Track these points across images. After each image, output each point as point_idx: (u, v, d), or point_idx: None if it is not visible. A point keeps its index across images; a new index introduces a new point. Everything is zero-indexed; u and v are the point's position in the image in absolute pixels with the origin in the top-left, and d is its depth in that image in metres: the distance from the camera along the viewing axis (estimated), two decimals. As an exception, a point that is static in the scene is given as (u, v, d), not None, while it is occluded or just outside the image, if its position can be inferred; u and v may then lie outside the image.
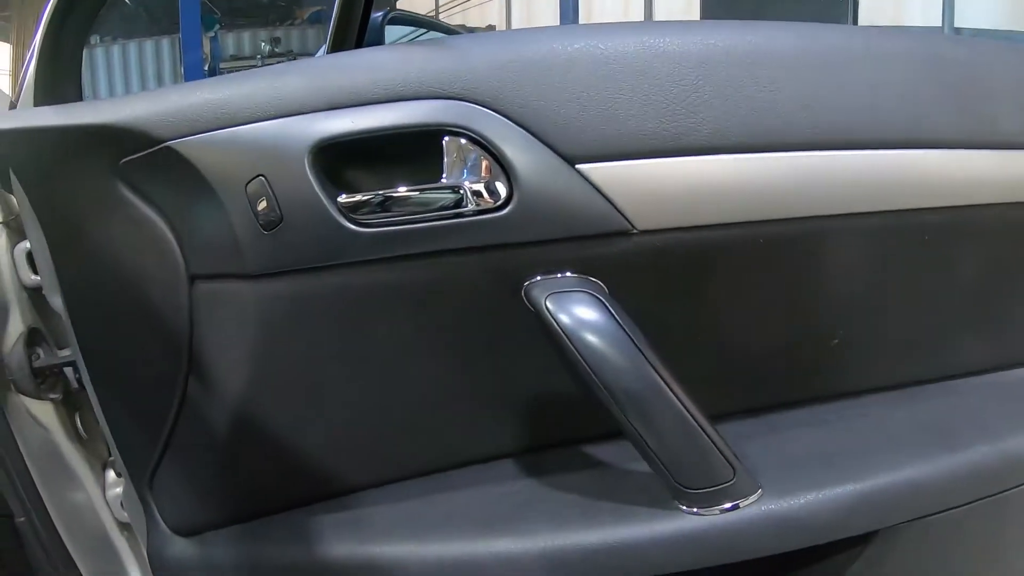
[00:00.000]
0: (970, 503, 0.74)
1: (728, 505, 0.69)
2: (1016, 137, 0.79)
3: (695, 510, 0.69)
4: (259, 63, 8.79)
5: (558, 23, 8.20)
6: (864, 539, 0.73)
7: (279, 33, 9.41)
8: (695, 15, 8.23)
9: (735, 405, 0.81)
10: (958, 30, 6.55)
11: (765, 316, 0.78)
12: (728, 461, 0.69)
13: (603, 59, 0.68)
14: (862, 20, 7.08)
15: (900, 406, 0.83)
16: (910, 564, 0.76)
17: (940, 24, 6.58)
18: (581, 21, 8.47)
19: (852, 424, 0.81)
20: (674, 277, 0.73)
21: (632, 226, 0.68)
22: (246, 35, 9.45)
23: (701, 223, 0.70)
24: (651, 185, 0.68)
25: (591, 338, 0.66)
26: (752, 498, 0.70)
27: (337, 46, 1.19)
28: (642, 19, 8.73)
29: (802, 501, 0.70)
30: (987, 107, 0.78)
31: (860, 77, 0.74)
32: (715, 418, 0.72)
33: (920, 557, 0.76)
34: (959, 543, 0.77)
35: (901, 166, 0.74)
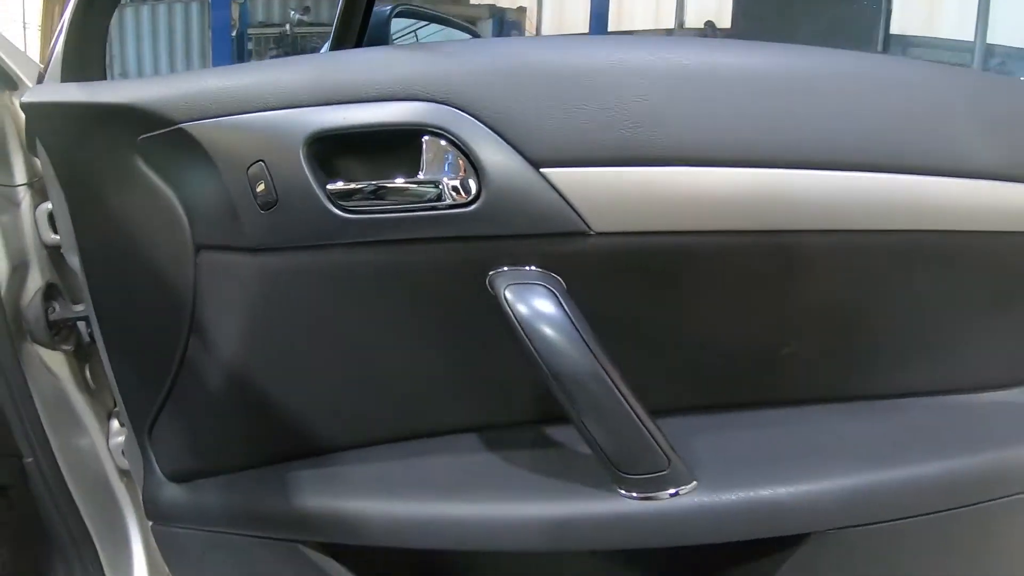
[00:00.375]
0: (909, 517, 0.75)
1: (661, 493, 0.73)
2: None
3: (633, 495, 0.73)
4: (288, 31, 8.77)
5: (588, 7, 8.18)
6: (796, 540, 0.75)
7: (309, 2, 9.38)
8: (726, 11, 8.15)
9: (682, 401, 0.84)
10: (991, 47, 6.43)
11: (714, 319, 0.81)
12: (663, 451, 0.72)
13: (573, 71, 0.72)
14: (894, 31, 6.98)
15: (848, 418, 0.85)
16: (840, 571, 0.77)
17: (972, 39, 6.46)
18: (612, 11, 8.42)
19: (796, 430, 0.83)
20: (628, 277, 0.76)
21: (589, 227, 0.71)
22: (276, 1, 9.42)
23: (654, 228, 0.73)
24: (609, 191, 0.71)
25: (543, 328, 0.70)
26: (685, 488, 0.73)
27: (339, 42, 1.23)
28: (673, 11, 8.65)
29: (734, 497, 0.73)
30: (948, 132, 0.77)
31: (829, 99, 0.75)
32: (662, 412, 0.75)
33: (851, 565, 0.76)
34: (893, 556, 0.77)
35: (852, 186, 0.74)
